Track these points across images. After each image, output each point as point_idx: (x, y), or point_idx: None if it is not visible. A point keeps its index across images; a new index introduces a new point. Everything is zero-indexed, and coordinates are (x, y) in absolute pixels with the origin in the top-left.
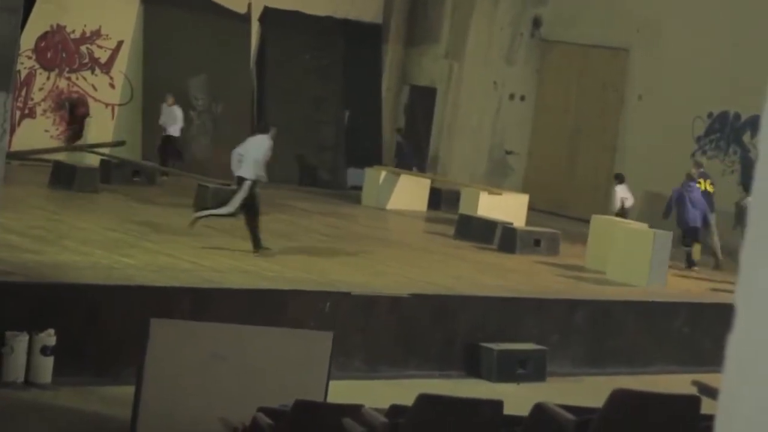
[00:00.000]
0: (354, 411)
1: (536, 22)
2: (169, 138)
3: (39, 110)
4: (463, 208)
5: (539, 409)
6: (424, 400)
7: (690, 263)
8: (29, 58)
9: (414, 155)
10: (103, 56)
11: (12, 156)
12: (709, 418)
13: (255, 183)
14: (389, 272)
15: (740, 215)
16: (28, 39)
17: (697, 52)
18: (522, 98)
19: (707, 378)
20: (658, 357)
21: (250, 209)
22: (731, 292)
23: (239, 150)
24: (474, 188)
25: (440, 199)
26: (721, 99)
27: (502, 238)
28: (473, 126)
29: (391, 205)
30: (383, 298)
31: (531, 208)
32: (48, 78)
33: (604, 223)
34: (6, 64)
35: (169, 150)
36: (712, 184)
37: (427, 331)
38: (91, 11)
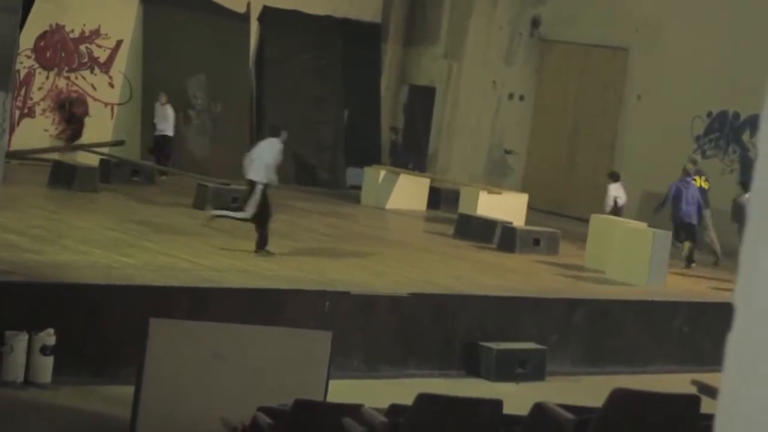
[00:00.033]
0: (353, 410)
1: (535, 22)
2: (165, 138)
3: (38, 110)
4: (463, 208)
5: (539, 409)
6: (423, 399)
7: (689, 261)
8: (28, 57)
9: (410, 154)
10: (102, 56)
11: (11, 155)
12: (709, 418)
13: (266, 186)
14: (388, 272)
15: (736, 212)
16: (27, 38)
17: (697, 51)
18: (521, 98)
19: (707, 377)
20: (658, 356)
21: (263, 212)
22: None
23: (251, 154)
24: (473, 188)
25: (439, 199)
26: (721, 98)
27: (501, 237)
28: (472, 126)
29: (390, 205)
30: (382, 298)
31: (530, 207)
32: (47, 77)
33: (604, 222)
34: (5, 64)
35: (165, 151)
36: (706, 180)
37: (427, 330)
38: (90, 11)
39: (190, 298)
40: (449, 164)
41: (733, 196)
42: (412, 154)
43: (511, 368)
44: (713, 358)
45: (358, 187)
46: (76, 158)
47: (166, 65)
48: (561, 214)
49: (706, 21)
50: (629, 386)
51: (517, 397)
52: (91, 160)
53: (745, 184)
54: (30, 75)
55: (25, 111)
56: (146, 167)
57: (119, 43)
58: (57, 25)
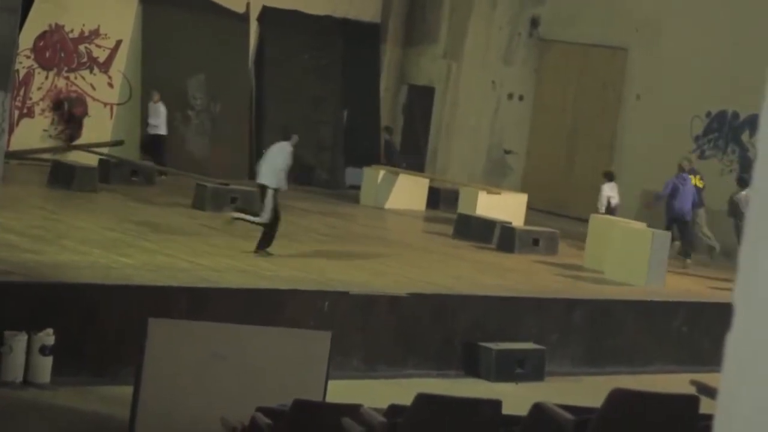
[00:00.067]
0: (353, 410)
1: (534, 22)
2: (158, 137)
3: (37, 110)
4: (462, 208)
5: (538, 409)
6: (422, 399)
7: (685, 254)
8: (28, 57)
9: (405, 154)
10: (101, 56)
11: (11, 155)
12: (708, 418)
13: (276, 191)
14: (388, 272)
15: (733, 209)
16: (26, 38)
17: (696, 51)
18: (520, 98)
19: (706, 377)
20: (657, 356)
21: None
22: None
23: (262, 159)
24: (473, 188)
25: (439, 199)
26: (720, 98)
27: (500, 237)
28: (472, 126)
29: (389, 205)
30: (382, 298)
31: (529, 207)
32: (46, 77)
33: (603, 222)
34: (5, 64)
35: (159, 150)
36: (701, 179)
37: (426, 330)
38: (89, 11)
39: (189, 298)
40: (448, 164)
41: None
42: (406, 154)
43: (511, 368)
44: (712, 359)
45: (358, 187)
46: (71, 157)
47: (166, 65)
48: (560, 214)
49: (705, 21)
50: (628, 386)
51: (516, 398)
52: (90, 160)
53: (742, 181)
54: (29, 75)
55: (25, 111)
56: (145, 167)
57: (118, 43)
58: (56, 25)
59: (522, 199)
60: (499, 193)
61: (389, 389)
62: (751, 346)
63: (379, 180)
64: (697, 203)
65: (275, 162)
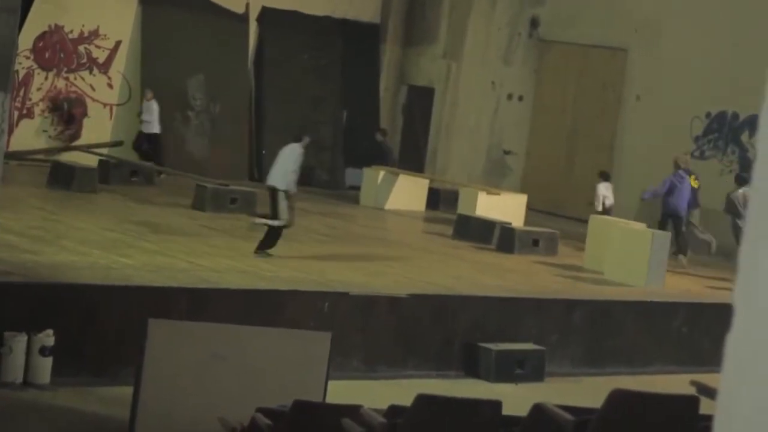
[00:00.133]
0: (352, 411)
1: (534, 22)
2: (153, 136)
3: (37, 110)
4: (462, 208)
5: (538, 410)
6: (422, 400)
7: (680, 249)
8: (27, 58)
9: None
10: (101, 56)
11: (10, 156)
12: (708, 419)
13: (285, 192)
14: (387, 272)
15: (730, 206)
16: (26, 39)
17: (696, 52)
18: (520, 98)
19: (706, 378)
20: (657, 357)
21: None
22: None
23: (274, 162)
24: (472, 188)
25: (438, 199)
26: (720, 99)
27: (500, 238)
28: (471, 126)
29: (389, 205)
30: (382, 299)
31: (529, 208)
32: (46, 78)
33: (603, 223)
34: (4, 64)
35: (154, 148)
36: (697, 179)
37: (426, 331)
38: (89, 11)
39: (189, 298)
40: (448, 165)
41: None
42: (405, 154)
43: (511, 369)
44: (712, 359)
45: (357, 188)
46: (70, 158)
47: (165, 66)
48: (560, 214)
49: (705, 21)
50: (628, 387)
51: (516, 398)
52: (89, 160)
53: (739, 179)
54: (29, 76)
55: (24, 112)
56: (145, 168)
57: (118, 43)
58: (56, 25)
59: (522, 199)
60: (498, 194)
61: (389, 390)
62: (751, 346)
63: (378, 180)
64: (693, 204)
65: (285, 164)
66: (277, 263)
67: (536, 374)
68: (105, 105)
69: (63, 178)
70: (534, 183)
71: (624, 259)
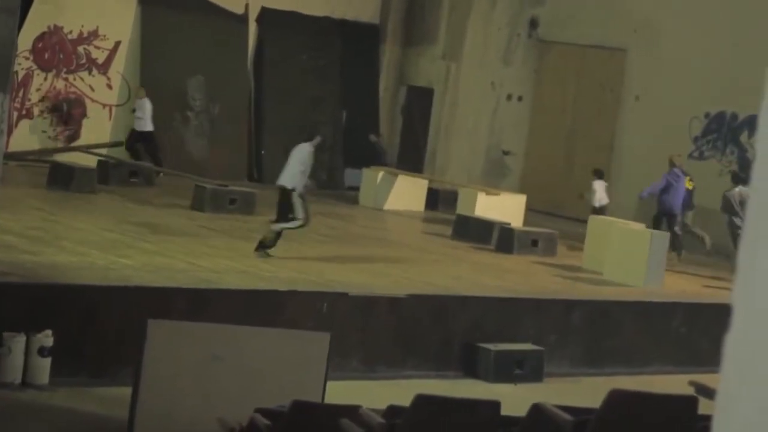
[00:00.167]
0: (351, 411)
1: (533, 23)
2: (145, 134)
3: (36, 111)
4: (461, 209)
5: (536, 410)
6: (421, 400)
7: (674, 248)
8: (26, 58)
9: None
10: (100, 57)
11: (9, 157)
12: (707, 419)
13: (293, 191)
14: (387, 273)
15: (726, 205)
16: (25, 40)
17: (695, 52)
18: (519, 99)
19: (705, 378)
20: (656, 357)
21: (284, 213)
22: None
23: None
24: (471, 189)
25: (437, 200)
26: (718, 99)
27: (499, 238)
28: (470, 126)
29: (388, 206)
30: (381, 299)
31: (528, 208)
32: (45, 79)
33: (602, 223)
34: (3, 65)
35: (151, 148)
36: (691, 180)
37: (425, 331)
38: (88, 12)
39: (188, 299)
40: (447, 165)
41: None
42: (399, 156)
43: (509, 369)
44: (711, 359)
45: (357, 188)
46: (69, 158)
47: (165, 66)
48: (559, 215)
49: (704, 22)
50: (627, 387)
51: (515, 398)
52: (89, 161)
53: (735, 178)
54: (28, 76)
55: (23, 112)
56: (144, 168)
57: (117, 44)
58: (55, 26)
59: (521, 200)
60: (497, 194)
61: (388, 390)
62: (750, 346)
63: (378, 181)
64: (688, 205)
65: (295, 164)
66: (276, 263)
67: (535, 374)
68: (104, 106)
69: (62, 178)
70: (533, 183)
71: (623, 259)
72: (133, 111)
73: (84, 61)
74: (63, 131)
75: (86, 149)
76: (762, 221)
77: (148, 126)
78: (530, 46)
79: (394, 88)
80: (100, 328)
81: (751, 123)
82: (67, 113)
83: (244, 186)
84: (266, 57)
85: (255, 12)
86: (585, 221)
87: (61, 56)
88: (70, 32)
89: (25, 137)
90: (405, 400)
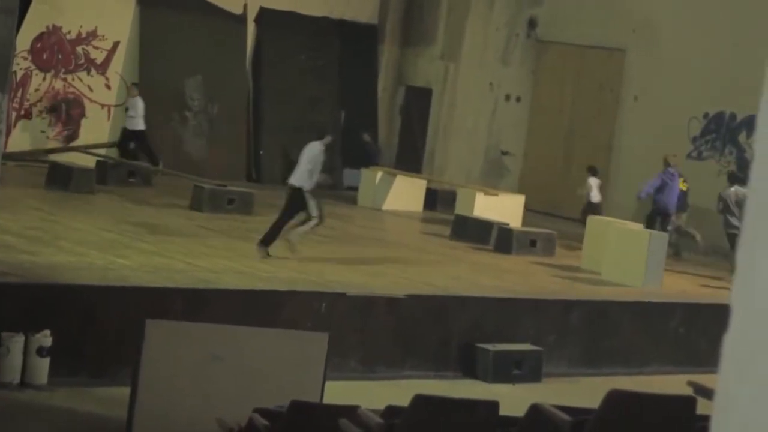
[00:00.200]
0: (350, 412)
1: (532, 23)
2: (141, 132)
3: (35, 111)
4: (459, 209)
5: (535, 410)
6: (419, 400)
7: (676, 252)
8: (25, 59)
9: (407, 154)
10: (99, 57)
11: (8, 157)
12: (705, 419)
13: (300, 189)
14: (385, 273)
15: (724, 206)
16: (23, 40)
17: (694, 52)
18: (518, 99)
19: (703, 378)
20: (654, 357)
21: (289, 211)
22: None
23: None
24: (470, 189)
25: (436, 200)
26: (717, 99)
27: (498, 238)
28: (469, 127)
29: (387, 206)
30: (379, 299)
31: (527, 208)
32: (44, 79)
33: (600, 223)
34: (2, 65)
35: (145, 146)
36: (685, 182)
37: (424, 331)
38: (87, 12)
39: (186, 299)
40: (446, 165)
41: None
42: (398, 156)
43: (508, 369)
44: (709, 359)
45: (355, 188)
46: (68, 158)
47: (163, 67)
48: (557, 215)
49: (703, 22)
50: (625, 387)
51: (513, 399)
52: (87, 161)
53: (732, 177)
54: (27, 76)
55: (22, 113)
56: (142, 168)
57: (116, 44)
58: (54, 26)
59: (519, 200)
60: (496, 195)
61: (386, 390)
62: (749, 346)
63: (376, 181)
64: (682, 206)
65: (303, 162)
66: (274, 264)
67: (533, 375)
68: (103, 106)
69: (60, 178)
70: (532, 184)
71: (621, 259)
72: (126, 110)
73: (82, 61)
74: (61, 131)
75: (84, 149)
76: (760, 221)
77: (140, 125)
78: (529, 47)
79: (392, 88)
80: (99, 328)
81: (749, 123)
82: (65, 113)
83: (242, 186)
84: (265, 57)
85: (253, 12)
86: (579, 220)
87: (60, 56)
88: (69, 32)
89: (24, 137)
90: (404, 401)
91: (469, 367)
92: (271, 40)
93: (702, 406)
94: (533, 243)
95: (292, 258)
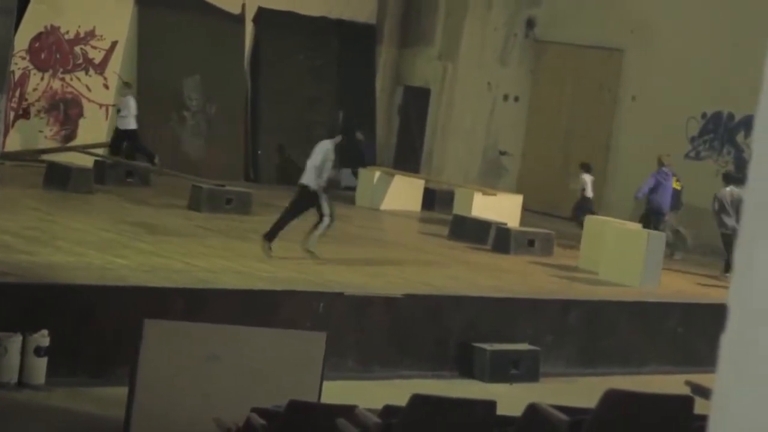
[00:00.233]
0: (347, 411)
1: (530, 23)
2: (133, 132)
3: (33, 111)
4: (457, 209)
5: (532, 410)
6: (417, 400)
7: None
8: (23, 58)
9: (405, 154)
10: (97, 57)
11: (6, 156)
12: (703, 419)
13: (307, 187)
14: (383, 273)
15: (718, 205)
16: (22, 40)
17: (691, 52)
18: (516, 99)
19: (700, 378)
20: (652, 357)
21: (296, 208)
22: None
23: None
24: (468, 189)
25: (434, 200)
26: (715, 99)
27: (496, 238)
28: (467, 127)
29: (385, 206)
30: (377, 299)
31: (525, 208)
32: (42, 79)
33: (598, 223)
34: (0, 65)
35: (139, 145)
36: (678, 181)
37: (421, 331)
38: (85, 12)
39: (185, 299)
40: (444, 165)
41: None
42: (396, 156)
43: (505, 369)
44: (707, 359)
45: (353, 188)
46: (66, 158)
47: (161, 66)
48: (555, 215)
49: (700, 22)
50: (623, 387)
51: (510, 398)
52: (85, 161)
53: (727, 177)
54: (25, 76)
55: (20, 112)
56: (140, 168)
57: (114, 44)
58: (52, 26)
59: (517, 200)
60: (494, 194)
61: (384, 390)
62: (746, 346)
63: (374, 181)
64: (675, 205)
65: (313, 161)
66: (273, 263)
67: (531, 374)
68: (101, 106)
69: (59, 178)
70: (530, 184)
71: (619, 259)
72: (118, 111)
73: (81, 61)
74: (60, 131)
75: (83, 149)
76: (758, 221)
77: (131, 124)
78: (527, 47)
79: (390, 88)
80: (97, 328)
81: (747, 123)
82: (64, 113)
83: (240, 186)
84: (263, 57)
85: (252, 12)
86: (570, 217)
87: (58, 56)
88: (67, 32)
89: (22, 137)
90: (401, 400)
91: (467, 366)
92: (269, 39)
93: (699, 406)
94: (531, 243)
95: (316, 261)
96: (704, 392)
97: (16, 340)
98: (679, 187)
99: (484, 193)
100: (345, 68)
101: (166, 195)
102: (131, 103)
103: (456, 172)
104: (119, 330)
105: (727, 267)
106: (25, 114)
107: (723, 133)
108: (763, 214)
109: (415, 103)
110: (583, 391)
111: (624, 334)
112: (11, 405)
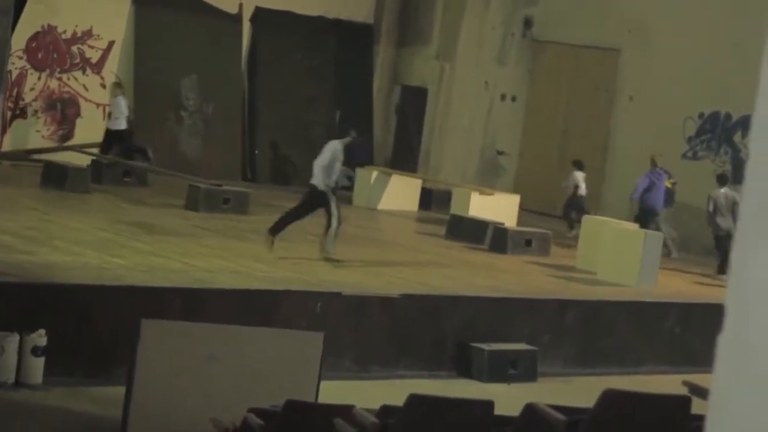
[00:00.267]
0: (345, 411)
1: (527, 23)
2: (126, 132)
3: (30, 110)
4: (455, 209)
5: (530, 410)
6: (414, 400)
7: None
8: (20, 58)
9: (402, 153)
10: (94, 56)
11: (3, 156)
12: (700, 419)
13: (315, 187)
14: (380, 272)
15: (713, 206)
16: (19, 39)
17: (689, 52)
18: (513, 99)
19: (698, 378)
20: (649, 357)
21: (304, 207)
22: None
23: None
24: (465, 188)
25: (431, 200)
26: (712, 99)
27: (493, 238)
28: (464, 126)
29: (382, 206)
30: (374, 299)
31: (522, 208)
32: (39, 78)
33: (595, 223)
34: None
35: (132, 145)
36: (670, 179)
37: (418, 331)
38: (82, 12)
39: (182, 298)
40: (441, 165)
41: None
42: (393, 156)
43: (503, 369)
44: (704, 359)
45: (350, 188)
46: (63, 158)
47: (158, 66)
48: (553, 215)
49: (698, 22)
50: (620, 387)
51: (508, 398)
52: (82, 160)
53: (721, 178)
54: (22, 76)
55: (17, 112)
56: (138, 168)
57: (111, 44)
58: (49, 26)
59: (514, 199)
60: (491, 194)
61: (381, 390)
62: (743, 346)
63: (371, 181)
64: (668, 202)
65: (321, 160)
66: (270, 263)
67: (528, 374)
68: (98, 105)
69: (56, 178)
70: (527, 183)
71: (616, 259)
72: (109, 115)
73: (78, 60)
74: (57, 131)
75: (80, 149)
76: (755, 221)
77: (122, 125)
78: (524, 46)
79: (388, 87)
80: (94, 328)
81: (745, 123)
82: (61, 113)
83: (237, 186)
84: (260, 57)
85: (249, 11)
86: (562, 215)
87: (55, 56)
88: (64, 32)
89: (19, 137)
90: (398, 400)
91: (464, 366)
92: (266, 39)
93: (697, 406)
94: (528, 243)
95: (337, 263)
96: (701, 392)
97: (13, 340)
98: (670, 185)
99: (482, 193)
100: (342, 68)
101: (164, 195)
102: (122, 103)
103: (453, 172)
104: (116, 330)
105: (720, 269)
106: (22, 114)
107: (720, 133)
108: (761, 213)
109: (413, 103)
110: (580, 390)
111: (621, 334)
112: (8, 405)
